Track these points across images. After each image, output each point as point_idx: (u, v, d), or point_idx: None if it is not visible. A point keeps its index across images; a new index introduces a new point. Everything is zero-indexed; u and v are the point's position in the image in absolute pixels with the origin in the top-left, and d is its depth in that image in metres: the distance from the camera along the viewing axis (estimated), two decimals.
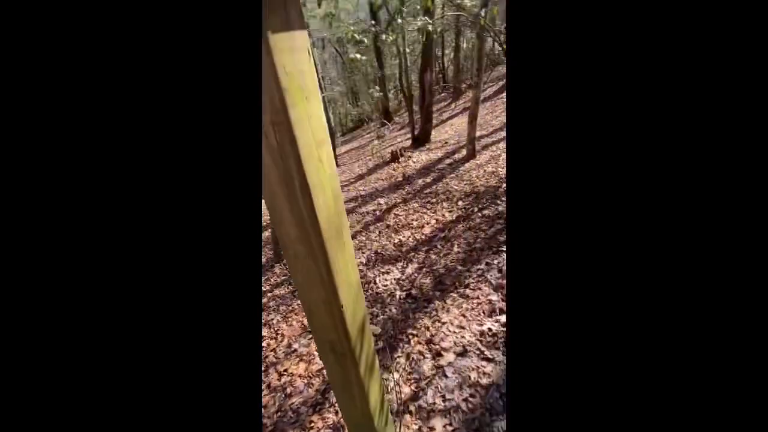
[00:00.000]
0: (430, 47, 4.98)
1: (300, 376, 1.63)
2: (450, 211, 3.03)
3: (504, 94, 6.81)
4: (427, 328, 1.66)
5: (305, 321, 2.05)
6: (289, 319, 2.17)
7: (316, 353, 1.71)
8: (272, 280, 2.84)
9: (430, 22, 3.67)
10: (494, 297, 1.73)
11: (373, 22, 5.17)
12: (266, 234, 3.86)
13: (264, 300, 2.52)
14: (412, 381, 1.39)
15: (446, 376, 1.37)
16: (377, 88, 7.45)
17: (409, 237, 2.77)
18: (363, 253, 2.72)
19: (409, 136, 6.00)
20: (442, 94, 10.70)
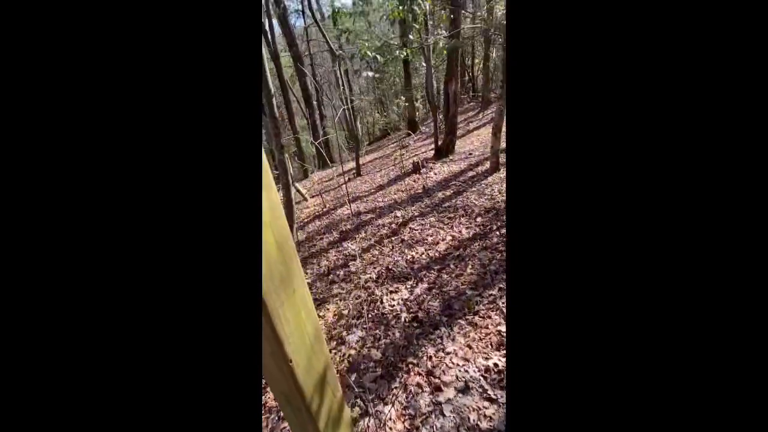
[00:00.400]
0: (454, 57, 4.90)
1: None
2: (467, 228, 2.91)
3: None
4: (430, 358, 1.56)
5: None
6: None
7: None
8: None
9: (441, 37, 3.60)
10: (504, 328, 1.60)
11: (399, 35, 5.20)
12: None
13: None
14: (407, 417, 1.31)
15: (443, 415, 1.27)
16: (402, 98, 7.45)
17: (423, 254, 2.68)
18: (375, 268, 2.67)
19: (433, 146, 5.91)
20: (471, 104, 10.51)
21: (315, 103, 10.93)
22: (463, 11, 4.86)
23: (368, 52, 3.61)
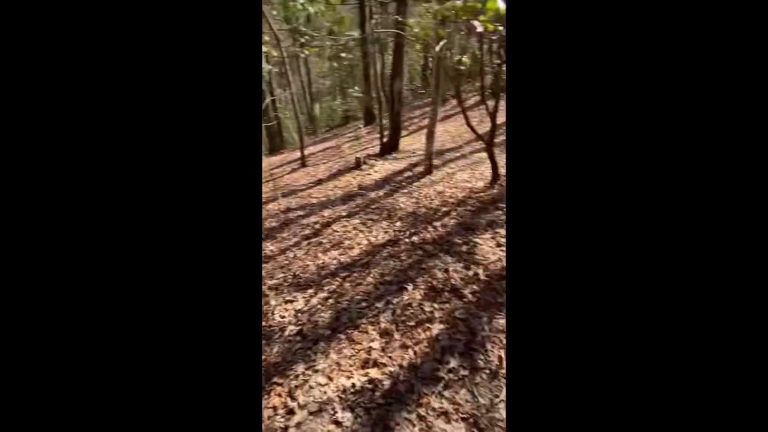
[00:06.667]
0: (400, 54, 4.82)
1: None
2: (385, 232, 2.92)
3: (482, 106, 6.67)
4: (297, 377, 1.54)
5: None
6: None
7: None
8: None
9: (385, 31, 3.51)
10: (375, 345, 1.62)
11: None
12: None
13: None
14: None
15: None
16: (356, 87, 7.26)
17: (335, 259, 2.65)
18: (282, 273, 2.59)
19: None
20: (428, 100, 10.54)
21: (267, 85, 10.32)
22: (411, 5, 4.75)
23: (305, 51, 3.42)
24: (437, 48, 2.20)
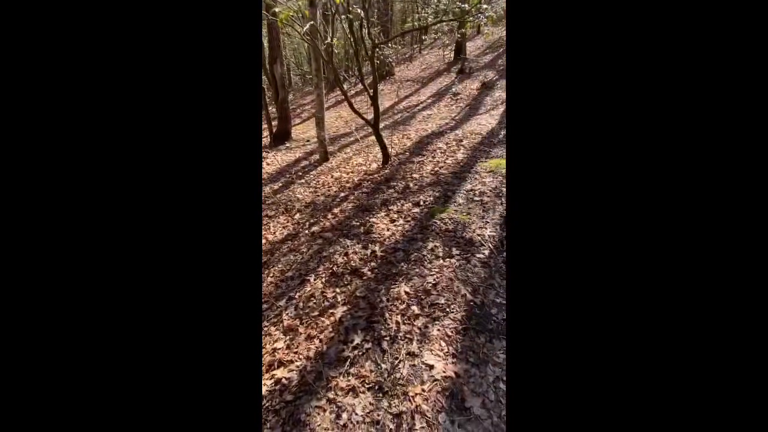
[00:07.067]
0: (276, 37, 4.49)
1: None
2: (284, 227, 2.78)
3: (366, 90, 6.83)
4: None
5: None
6: None
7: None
8: None
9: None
10: (280, 344, 1.56)
11: None
12: None
13: None
14: None
15: None
16: None
17: None
18: None
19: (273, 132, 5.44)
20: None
21: None
22: None
23: None
24: (304, 29, 2.11)
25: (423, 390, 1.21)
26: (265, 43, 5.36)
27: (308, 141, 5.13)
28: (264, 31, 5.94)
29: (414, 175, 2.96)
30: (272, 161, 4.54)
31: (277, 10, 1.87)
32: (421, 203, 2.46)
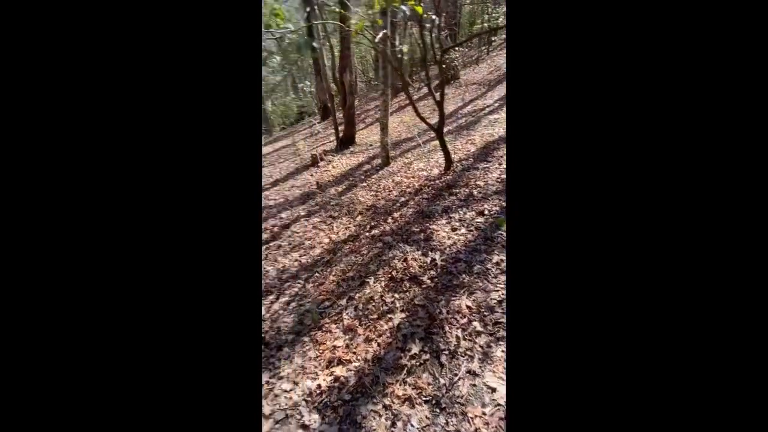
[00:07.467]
0: (347, 46, 4.73)
1: None
2: (346, 228, 2.90)
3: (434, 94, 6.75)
4: (263, 385, 1.50)
5: None
6: None
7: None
8: None
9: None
10: (339, 343, 1.62)
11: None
12: None
13: None
14: None
15: None
16: (308, 82, 7.05)
17: (295, 261, 2.59)
18: None
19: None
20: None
21: None
22: None
23: None
24: (377, 38, 2.19)
25: (484, 413, 1.14)
26: (336, 53, 5.69)
27: (371, 145, 5.28)
28: (335, 41, 6.31)
29: (478, 183, 2.84)
30: (338, 164, 4.79)
31: (353, 21, 1.96)
32: (486, 212, 2.34)
